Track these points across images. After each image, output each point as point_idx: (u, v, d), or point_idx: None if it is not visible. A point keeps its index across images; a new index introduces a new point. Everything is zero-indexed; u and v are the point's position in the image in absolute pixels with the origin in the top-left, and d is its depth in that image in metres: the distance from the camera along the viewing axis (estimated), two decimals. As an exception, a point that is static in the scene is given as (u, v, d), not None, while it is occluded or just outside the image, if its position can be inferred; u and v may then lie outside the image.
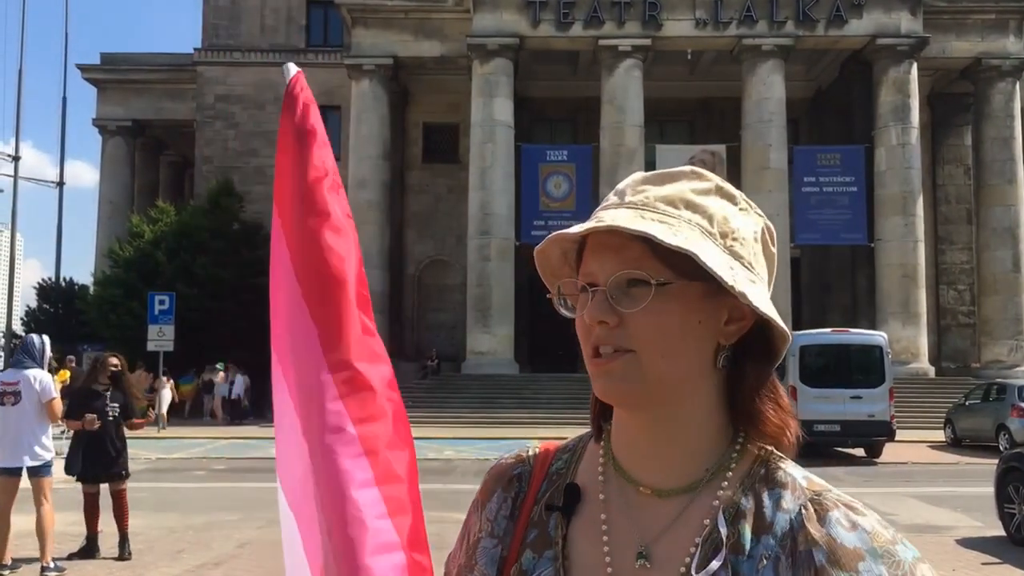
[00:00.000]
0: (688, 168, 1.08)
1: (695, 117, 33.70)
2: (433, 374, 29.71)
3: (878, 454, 18.19)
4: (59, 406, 8.08)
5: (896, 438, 18.29)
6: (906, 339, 27.17)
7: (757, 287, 1.02)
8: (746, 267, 1.03)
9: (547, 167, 29.39)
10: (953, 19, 29.56)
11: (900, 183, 28.26)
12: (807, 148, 30.72)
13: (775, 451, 1.07)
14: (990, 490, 10.20)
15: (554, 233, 1.05)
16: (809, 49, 29.54)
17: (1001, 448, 17.18)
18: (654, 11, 28.16)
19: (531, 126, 32.61)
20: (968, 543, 9.55)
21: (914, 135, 28.52)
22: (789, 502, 1.02)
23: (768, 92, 28.31)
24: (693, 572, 0.99)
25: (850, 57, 30.09)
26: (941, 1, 29.35)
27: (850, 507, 1.00)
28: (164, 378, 24.78)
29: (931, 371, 27.79)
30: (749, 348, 1.06)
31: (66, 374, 8.94)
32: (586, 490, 1.09)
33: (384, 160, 30.55)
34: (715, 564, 0.98)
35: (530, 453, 1.18)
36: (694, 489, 1.04)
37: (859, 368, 18.57)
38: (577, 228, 1.02)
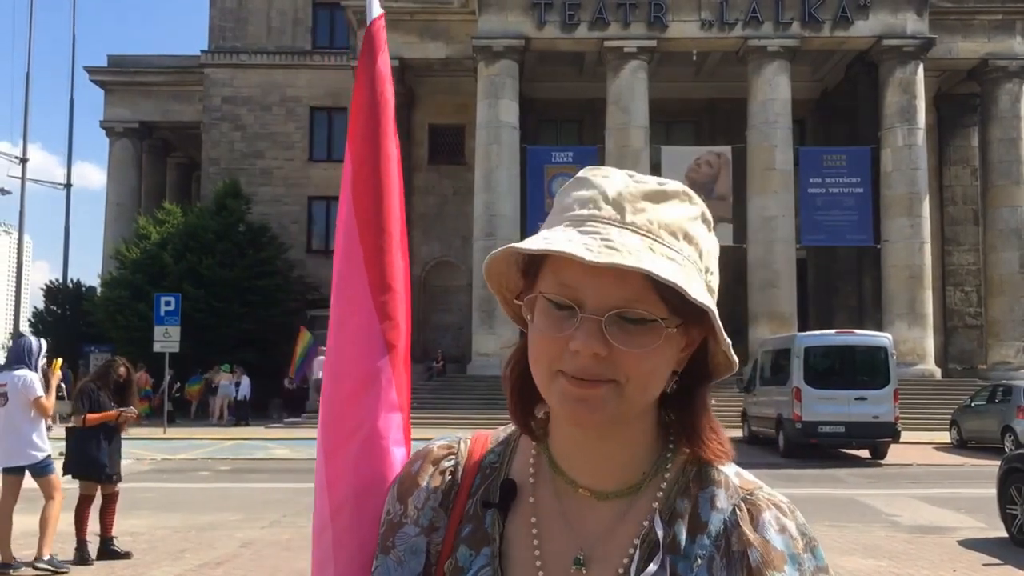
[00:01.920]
0: (680, 188, 1.04)
1: (700, 118, 33.67)
2: (439, 375, 29.73)
3: (883, 456, 18.15)
4: (48, 403, 8.14)
5: (901, 440, 18.26)
6: (912, 340, 27.10)
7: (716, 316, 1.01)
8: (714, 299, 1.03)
9: (552, 168, 29.39)
10: (959, 20, 29.48)
11: (906, 184, 28.19)
12: (813, 149, 30.66)
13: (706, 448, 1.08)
14: (994, 491, 10.18)
15: (552, 248, 0.95)
16: (815, 50, 29.49)
17: (1006, 450, 17.13)
18: (659, 12, 28.15)
19: (536, 127, 32.63)
20: (970, 544, 9.53)
21: (920, 136, 28.45)
22: (723, 501, 1.04)
23: (774, 93, 28.27)
24: (632, 573, 1.00)
25: (856, 58, 30.03)
26: (947, 2, 29.27)
27: (779, 508, 1.03)
28: (143, 373, 25.00)
29: (937, 372, 27.71)
30: (692, 368, 1.06)
31: (58, 363, 8.94)
32: (521, 487, 1.09)
33: (390, 161, 30.55)
34: (653, 566, 1.00)
35: (462, 444, 1.16)
36: (633, 492, 1.05)
37: (864, 369, 18.55)
38: (589, 256, 0.93)
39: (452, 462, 1.14)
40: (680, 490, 1.05)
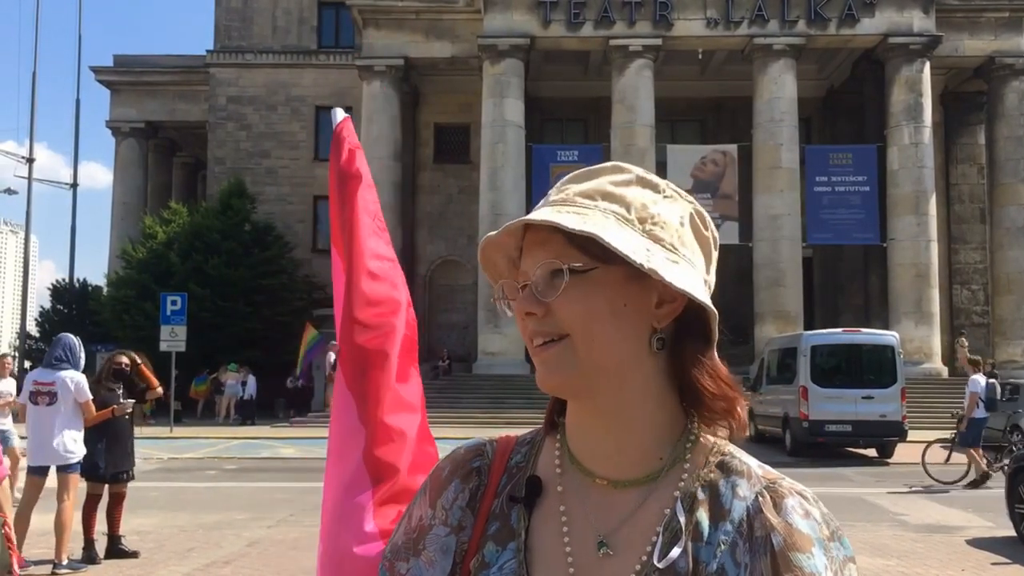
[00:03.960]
0: (610, 164, 1.11)
1: (706, 117, 33.63)
2: (445, 374, 29.76)
3: (890, 454, 18.11)
4: (93, 408, 8.11)
5: (908, 438, 18.20)
6: (919, 339, 27.04)
7: (680, 267, 1.04)
8: (667, 248, 1.05)
9: (558, 167, 29.34)
10: (966, 17, 29.40)
11: (913, 182, 28.12)
12: (819, 147, 30.61)
13: (728, 441, 1.10)
14: (1001, 491, 10.15)
15: (485, 239, 1.09)
16: (821, 48, 29.43)
17: (1014, 449, 17.07)
18: (665, 11, 28.11)
19: (542, 126, 32.62)
20: (978, 543, 9.50)
21: (927, 134, 28.38)
22: (745, 490, 1.05)
23: (779, 91, 28.22)
24: (656, 560, 1.01)
25: (862, 56, 29.96)
26: (954, -1, 29.23)
27: (803, 496, 1.04)
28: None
29: (944, 371, 27.63)
30: (688, 330, 1.07)
31: None
32: (546, 482, 1.11)
33: (395, 161, 30.62)
34: (676, 551, 1.01)
35: (489, 446, 1.19)
36: (652, 480, 1.06)
37: (871, 368, 18.50)
38: (494, 233, 1.07)
39: (479, 463, 1.17)
40: (701, 478, 1.06)
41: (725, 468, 1.07)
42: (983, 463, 14.45)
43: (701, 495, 1.05)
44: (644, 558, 1.03)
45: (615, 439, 1.07)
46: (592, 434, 1.09)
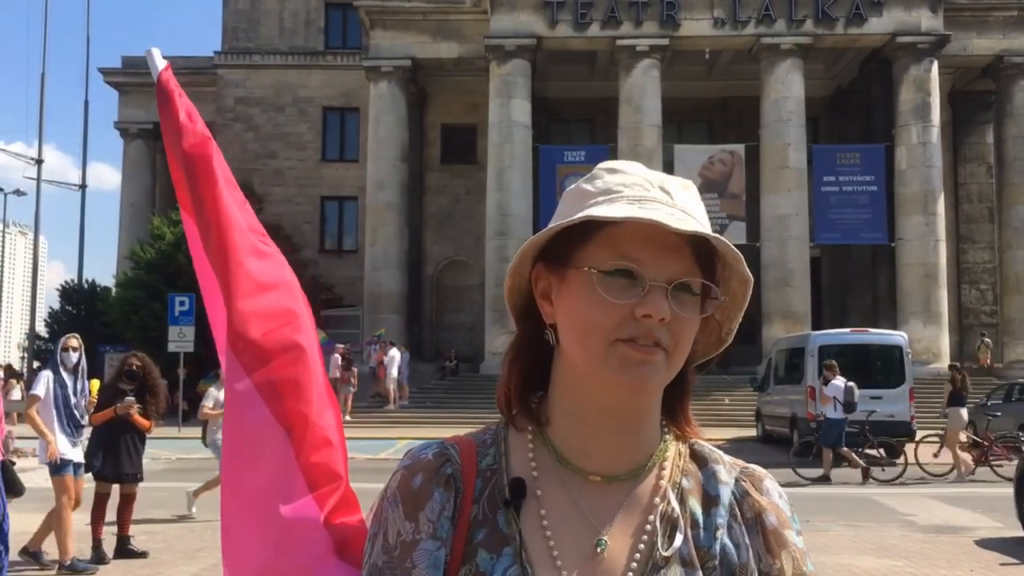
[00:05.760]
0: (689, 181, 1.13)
1: (713, 117, 33.57)
2: (451, 374, 29.78)
3: (898, 455, 18.03)
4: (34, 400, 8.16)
5: (916, 438, 18.13)
6: (927, 339, 26.95)
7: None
8: None
9: (565, 168, 29.35)
10: (974, 16, 29.31)
11: (921, 182, 28.04)
12: (826, 147, 30.54)
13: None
14: (1010, 491, 10.11)
15: (642, 215, 1.01)
16: (828, 48, 29.36)
17: (1022, 448, 17.01)
18: (672, 11, 28.09)
19: (549, 127, 32.61)
20: (987, 544, 9.47)
21: (935, 134, 28.29)
22: (725, 475, 1.12)
23: (787, 91, 28.17)
24: (660, 549, 1.04)
25: (870, 55, 29.88)
26: (962, -2, 29.12)
27: (770, 477, 1.14)
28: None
29: (953, 371, 27.52)
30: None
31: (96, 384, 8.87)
32: (527, 484, 1.09)
33: (402, 161, 30.64)
34: (679, 538, 1.05)
35: (452, 449, 1.14)
36: (639, 473, 1.10)
37: (879, 368, 18.46)
38: (676, 224, 1.00)
39: (451, 469, 1.11)
40: (682, 468, 1.12)
41: (697, 456, 1.14)
42: (860, 461, 15.21)
43: (687, 484, 1.10)
44: (642, 547, 1.05)
45: (624, 438, 1.09)
46: (597, 432, 1.09)
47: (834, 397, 15.29)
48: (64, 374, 8.08)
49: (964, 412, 16.03)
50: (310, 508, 1.42)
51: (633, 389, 1.03)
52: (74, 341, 8.30)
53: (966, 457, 15.74)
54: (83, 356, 8.36)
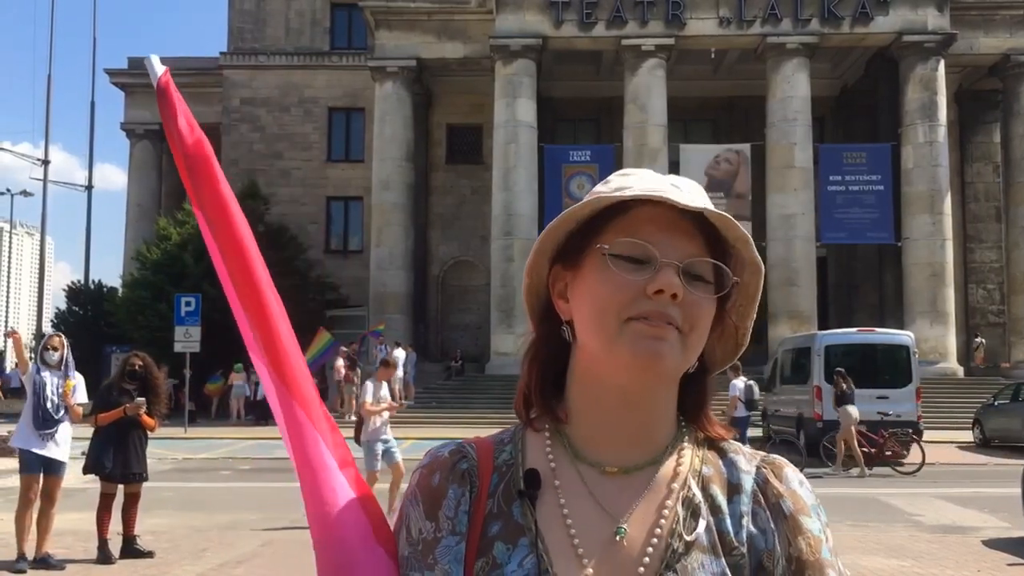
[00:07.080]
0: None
1: (719, 116, 33.54)
2: (457, 374, 29.79)
3: (904, 455, 17.98)
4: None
5: (923, 438, 18.08)
6: (934, 339, 26.87)
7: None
8: None
9: (570, 168, 29.37)
10: (981, 15, 29.22)
11: (927, 181, 27.96)
12: (833, 146, 30.47)
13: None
14: (1018, 491, 10.08)
15: (649, 190, 1.05)
16: (834, 47, 29.30)
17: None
18: (677, 10, 28.05)
19: (554, 127, 32.61)
20: (994, 544, 9.44)
21: (941, 133, 28.21)
22: (745, 464, 1.13)
23: (793, 90, 28.12)
24: (684, 535, 1.05)
25: (876, 54, 29.80)
26: (968, -3, 29.03)
27: (792, 467, 1.15)
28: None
29: (959, 371, 27.47)
30: (704, 354, 1.14)
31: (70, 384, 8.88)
32: (542, 476, 1.10)
33: (408, 162, 30.66)
34: (701, 525, 1.06)
35: (469, 447, 1.16)
36: (656, 462, 1.10)
37: (886, 368, 18.42)
38: (683, 200, 1.04)
39: (466, 465, 1.14)
40: (701, 457, 1.13)
41: (716, 448, 1.15)
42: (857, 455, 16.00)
43: (707, 471, 1.11)
44: (661, 532, 1.06)
45: (643, 429, 1.11)
46: (613, 421, 1.10)
47: (736, 396, 16.20)
48: (46, 371, 8.24)
49: (853, 409, 16.24)
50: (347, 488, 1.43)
51: (646, 365, 1.03)
52: (56, 340, 8.54)
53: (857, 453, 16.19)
54: (68, 355, 8.48)
